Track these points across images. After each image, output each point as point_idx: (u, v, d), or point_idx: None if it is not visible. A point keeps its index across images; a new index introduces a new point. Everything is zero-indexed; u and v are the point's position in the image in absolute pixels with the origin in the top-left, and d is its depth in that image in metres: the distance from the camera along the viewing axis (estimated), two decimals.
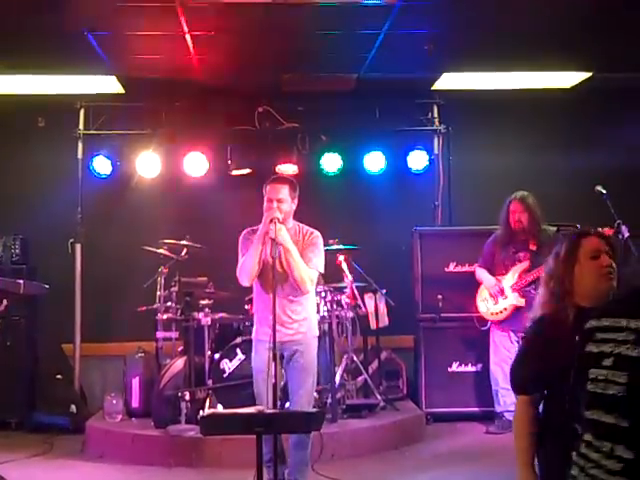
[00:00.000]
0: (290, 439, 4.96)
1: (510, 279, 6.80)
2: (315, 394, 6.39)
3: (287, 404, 5.29)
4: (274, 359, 4.54)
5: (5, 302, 5.88)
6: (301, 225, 5.12)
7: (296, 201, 5.06)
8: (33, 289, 5.83)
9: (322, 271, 5.13)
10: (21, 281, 5.89)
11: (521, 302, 6.71)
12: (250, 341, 5.22)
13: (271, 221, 4.78)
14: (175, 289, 6.97)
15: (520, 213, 6.73)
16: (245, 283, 5.00)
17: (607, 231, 6.21)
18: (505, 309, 6.80)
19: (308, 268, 4.90)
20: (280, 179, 5.11)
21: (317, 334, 5.18)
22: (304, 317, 5.03)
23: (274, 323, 4.58)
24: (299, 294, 4.96)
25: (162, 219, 7.81)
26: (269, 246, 4.83)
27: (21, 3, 5.46)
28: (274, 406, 4.52)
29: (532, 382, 3.10)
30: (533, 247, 6.78)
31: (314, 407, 6.10)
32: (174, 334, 6.96)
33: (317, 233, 5.10)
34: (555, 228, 6.87)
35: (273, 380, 4.52)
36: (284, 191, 4.95)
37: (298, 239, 5.00)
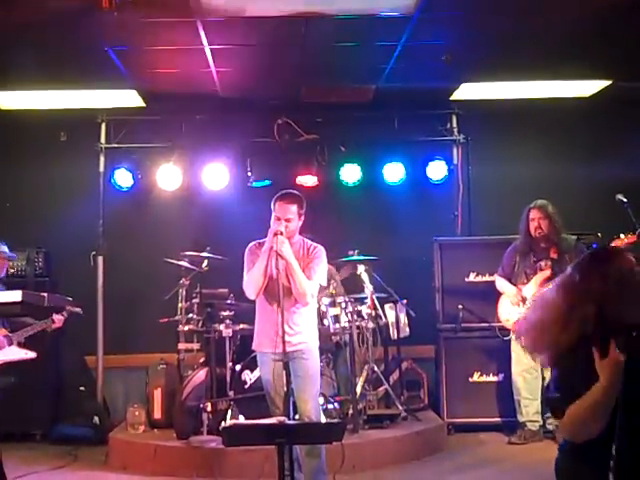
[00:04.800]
0: (302, 447, 4.98)
1: (532, 288, 6.72)
2: (336, 405, 6.41)
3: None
4: (285, 368, 4.71)
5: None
6: (306, 240, 5.23)
7: (303, 217, 5.15)
8: (57, 302, 5.87)
9: (324, 284, 5.29)
10: (45, 294, 5.95)
11: None
12: None
13: (275, 234, 4.91)
14: (196, 301, 7.00)
15: (540, 220, 6.69)
16: (252, 296, 5.14)
17: (630, 238, 6.19)
18: None
19: (309, 281, 5.02)
20: (288, 197, 5.12)
21: (318, 344, 5.25)
22: (306, 327, 5.14)
23: (283, 333, 4.74)
24: (300, 306, 5.08)
25: (183, 231, 7.87)
26: (274, 259, 4.94)
27: (42, 19, 5.52)
28: (286, 412, 4.63)
29: None
30: (554, 255, 6.72)
31: (335, 418, 6.12)
32: (196, 345, 7.00)
33: (320, 247, 5.20)
34: (575, 237, 6.84)
35: (285, 389, 4.69)
36: (292, 210, 5.05)
37: (302, 253, 5.12)
